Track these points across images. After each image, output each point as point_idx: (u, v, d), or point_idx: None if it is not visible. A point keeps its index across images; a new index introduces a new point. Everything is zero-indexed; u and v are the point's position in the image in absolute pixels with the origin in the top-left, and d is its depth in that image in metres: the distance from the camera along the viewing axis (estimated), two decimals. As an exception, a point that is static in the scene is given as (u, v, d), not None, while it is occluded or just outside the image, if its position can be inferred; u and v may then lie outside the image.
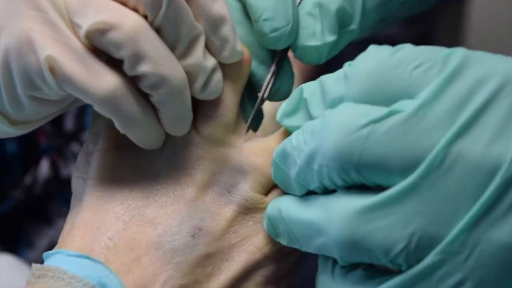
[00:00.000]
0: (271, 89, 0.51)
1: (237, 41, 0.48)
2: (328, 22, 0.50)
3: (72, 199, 0.49)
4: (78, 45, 0.43)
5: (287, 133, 0.48)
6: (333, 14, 0.50)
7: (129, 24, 0.43)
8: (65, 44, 0.43)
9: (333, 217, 0.41)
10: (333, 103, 0.43)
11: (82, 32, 0.43)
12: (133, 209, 0.47)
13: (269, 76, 0.51)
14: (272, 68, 0.51)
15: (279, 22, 0.49)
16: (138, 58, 0.43)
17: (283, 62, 0.52)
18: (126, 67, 0.44)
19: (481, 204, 0.38)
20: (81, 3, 0.43)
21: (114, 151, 0.48)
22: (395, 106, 0.40)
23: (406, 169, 0.39)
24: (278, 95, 0.52)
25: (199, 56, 0.46)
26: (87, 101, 0.44)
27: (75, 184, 0.49)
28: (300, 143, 0.43)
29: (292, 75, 0.53)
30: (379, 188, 0.40)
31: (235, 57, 0.48)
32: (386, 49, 0.42)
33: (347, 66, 0.43)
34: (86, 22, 0.43)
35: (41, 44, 0.43)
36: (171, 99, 0.45)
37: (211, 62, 0.47)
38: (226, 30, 0.47)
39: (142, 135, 0.46)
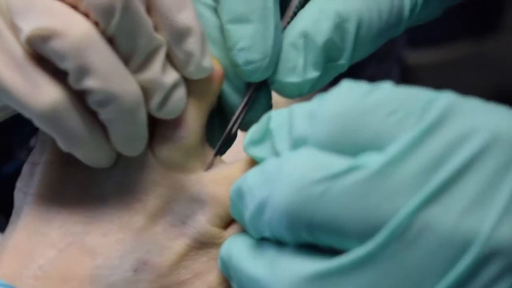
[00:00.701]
0: (242, 120, 0.46)
1: (205, 56, 0.42)
2: (313, 56, 0.44)
3: (12, 213, 0.45)
4: (18, 51, 0.39)
5: (254, 162, 0.43)
6: (319, 47, 0.44)
7: (75, 32, 0.38)
8: (2, 49, 0.39)
9: (280, 280, 0.36)
10: (297, 142, 0.38)
11: (22, 37, 0.38)
12: (71, 234, 0.42)
13: (240, 107, 0.46)
14: (245, 99, 0.46)
15: (255, 54, 0.44)
16: (83, 71, 0.38)
17: (260, 93, 0.46)
18: (71, 80, 0.39)
19: (446, 285, 0.33)
20: (25, 3, 0.38)
21: (59, 166, 0.44)
22: (359, 160, 0.35)
23: (364, 235, 0.34)
24: (247, 128, 0.45)
25: (157, 71, 0.41)
26: (25, 114, 0.39)
27: (16, 197, 0.45)
28: (254, 186, 0.38)
29: (269, 107, 0.47)
30: (332, 250, 0.35)
31: (201, 73, 0.43)
32: (361, 87, 0.36)
33: (316, 101, 0.38)
34: (28, 26, 0.38)
35: None
36: (121, 118, 0.40)
37: (171, 77, 0.42)
38: (191, 43, 0.41)
39: (88, 154, 0.41)
